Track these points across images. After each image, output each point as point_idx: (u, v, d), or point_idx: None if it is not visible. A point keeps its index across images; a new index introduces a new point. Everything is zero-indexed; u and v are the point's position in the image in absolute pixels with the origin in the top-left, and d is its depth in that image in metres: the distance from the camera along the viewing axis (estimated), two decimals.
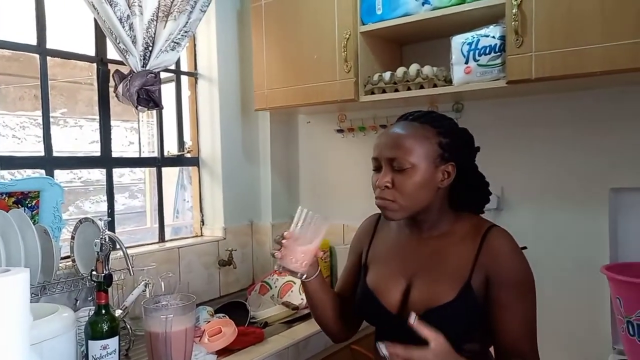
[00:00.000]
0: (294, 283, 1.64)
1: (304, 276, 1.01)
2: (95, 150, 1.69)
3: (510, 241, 0.94)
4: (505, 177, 1.56)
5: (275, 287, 1.67)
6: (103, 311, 1.03)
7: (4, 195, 1.25)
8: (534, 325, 0.91)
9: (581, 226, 1.43)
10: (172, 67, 1.82)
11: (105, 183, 1.65)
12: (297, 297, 1.61)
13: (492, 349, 0.97)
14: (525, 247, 0.95)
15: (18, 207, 1.27)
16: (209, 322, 1.36)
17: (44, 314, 0.99)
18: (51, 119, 1.51)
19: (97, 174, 2.53)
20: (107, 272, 1.08)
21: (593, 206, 1.40)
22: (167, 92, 1.87)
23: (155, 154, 1.85)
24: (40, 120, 1.50)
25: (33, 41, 1.46)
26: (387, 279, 1.01)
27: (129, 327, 1.33)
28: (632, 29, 1.08)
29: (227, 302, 1.63)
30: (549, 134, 1.49)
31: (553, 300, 1.45)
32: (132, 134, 2.27)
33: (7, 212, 1.21)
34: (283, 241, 0.98)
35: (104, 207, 1.66)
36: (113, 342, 1.03)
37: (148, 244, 1.79)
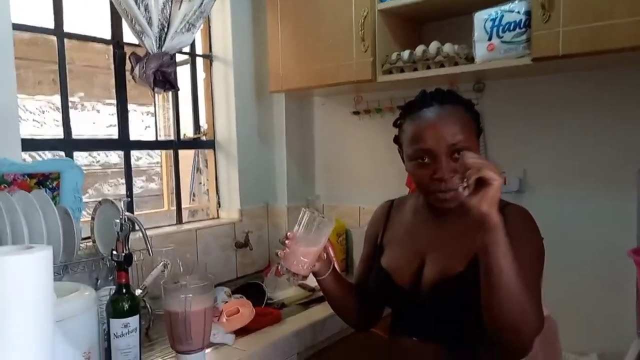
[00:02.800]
0: None
1: (306, 279, 1.01)
2: (112, 133, 1.71)
3: (528, 213, 0.93)
4: (527, 158, 1.53)
5: None
6: (124, 290, 1.05)
7: (26, 177, 1.27)
8: (538, 290, 0.88)
9: (607, 209, 1.39)
10: (187, 49, 1.81)
11: (123, 166, 1.67)
12: (313, 279, 1.61)
13: None
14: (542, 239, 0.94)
15: (39, 188, 1.29)
16: (227, 302, 1.37)
17: (67, 292, 1.00)
18: (69, 103, 1.52)
19: (115, 158, 2.56)
20: (127, 252, 1.09)
21: (620, 188, 1.36)
22: (183, 75, 1.87)
23: (172, 137, 1.86)
24: (58, 104, 1.51)
25: (50, 24, 1.47)
26: (401, 258, 1.02)
27: (148, 306, 1.35)
28: None
29: (244, 283, 1.64)
30: (574, 114, 1.44)
31: (577, 284, 1.43)
32: (149, 117, 2.28)
33: (29, 192, 1.24)
34: (286, 241, 0.98)
35: (122, 190, 1.68)
36: (134, 321, 1.04)
37: (166, 226, 1.80)
